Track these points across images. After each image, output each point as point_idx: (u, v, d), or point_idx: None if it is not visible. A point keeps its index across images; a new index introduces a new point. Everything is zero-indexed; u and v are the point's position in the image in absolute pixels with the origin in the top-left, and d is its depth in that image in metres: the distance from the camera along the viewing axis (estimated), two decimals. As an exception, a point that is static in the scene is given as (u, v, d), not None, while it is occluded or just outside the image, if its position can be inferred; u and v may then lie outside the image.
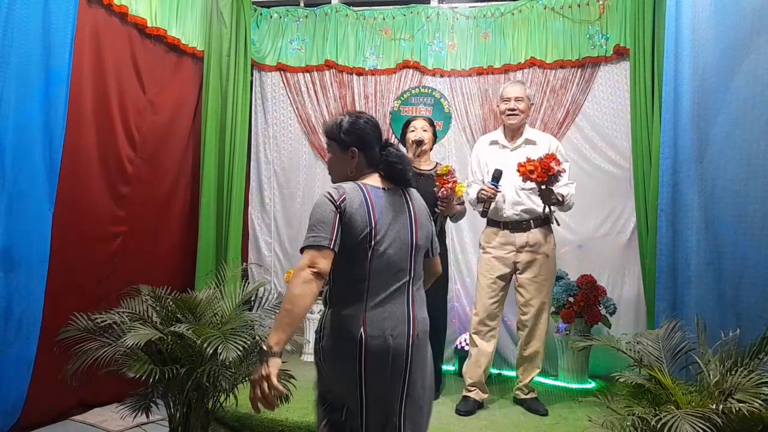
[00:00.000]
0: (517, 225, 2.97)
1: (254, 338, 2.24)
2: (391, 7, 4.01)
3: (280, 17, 4.07)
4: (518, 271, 2.99)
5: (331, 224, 1.49)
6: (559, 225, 3.09)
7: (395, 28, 3.98)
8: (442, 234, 3.20)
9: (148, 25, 3.19)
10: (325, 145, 1.74)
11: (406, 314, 1.57)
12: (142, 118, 3.24)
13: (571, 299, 3.40)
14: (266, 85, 4.11)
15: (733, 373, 1.73)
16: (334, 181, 1.69)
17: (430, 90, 3.96)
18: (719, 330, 1.96)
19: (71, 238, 2.71)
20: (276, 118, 4.11)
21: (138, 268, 3.11)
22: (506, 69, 3.84)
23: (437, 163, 3.23)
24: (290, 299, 1.45)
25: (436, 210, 3.10)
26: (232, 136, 3.75)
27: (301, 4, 4.15)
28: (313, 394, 1.67)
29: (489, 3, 3.94)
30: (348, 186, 1.56)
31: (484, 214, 2.99)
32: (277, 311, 2.46)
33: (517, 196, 2.95)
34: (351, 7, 4.02)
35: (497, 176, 2.87)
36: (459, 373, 3.47)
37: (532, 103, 3.22)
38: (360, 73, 4.00)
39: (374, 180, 1.63)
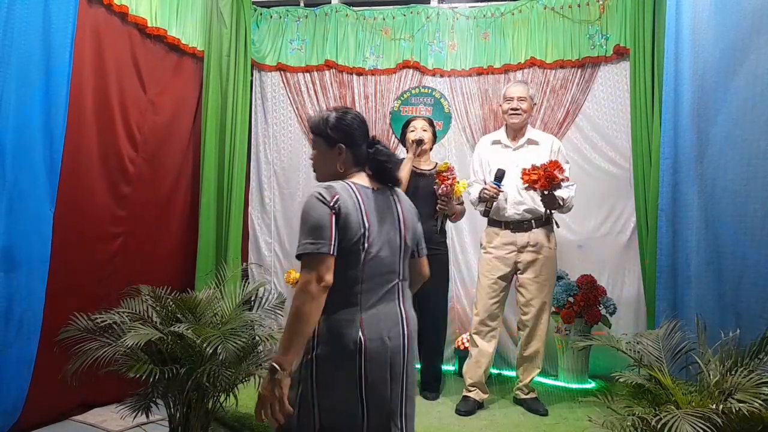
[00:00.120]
0: (519, 225, 2.97)
1: (254, 338, 2.24)
2: (391, 7, 4.01)
3: (280, 17, 4.07)
4: (519, 271, 3.00)
5: (328, 228, 1.42)
6: (558, 227, 3.09)
7: (395, 28, 3.98)
8: (442, 234, 3.21)
9: (149, 25, 3.19)
10: (311, 142, 1.67)
11: (399, 314, 1.55)
12: (143, 118, 3.24)
13: (571, 299, 3.40)
14: (266, 85, 4.11)
15: (733, 373, 1.73)
16: (319, 179, 1.63)
17: (430, 90, 3.96)
18: (719, 330, 1.96)
19: (72, 238, 2.70)
20: (276, 118, 4.11)
21: (139, 268, 3.11)
22: (506, 69, 3.84)
23: (437, 163, 3.23)
24: (301, 317, 1.39)
25: (437, 208, 3.11)
26: (232, 136, 3.75)
27: (301, 4, 4.15)
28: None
29: (489, 3, 3.94)
30: (339, 186, 1.50)
31: (485, 213, 2.99)
32: (278, 312, 2.48)
33: (519, 196, 2.95)
34: (351, 7, 4.02)
35: (500, 176, 2.88)
36: (459, 373, 3.47)
37: (535, 103, 3.22)
38: (360, 73, 4.00)
39: (362, 179, 1.58)
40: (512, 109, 3.00)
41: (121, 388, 2.25)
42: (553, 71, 3.78)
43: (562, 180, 2.76)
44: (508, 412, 2.98)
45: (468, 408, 2.93)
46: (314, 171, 1.66)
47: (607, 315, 3.44)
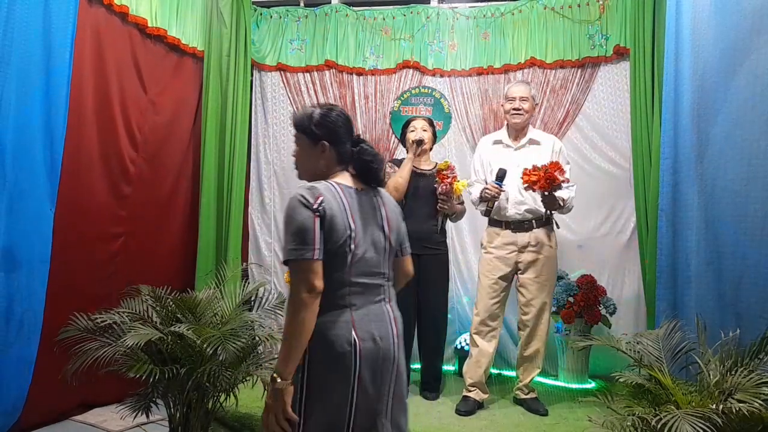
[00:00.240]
0: (520, 225, 2.97)
1: (254, 338, 2.24)
2: (391, 7, 4.01)
3: (280, 17, 4.07)
4: (520, 271, 2.99)
5: (311, 231, 1.39)
6: (558, 227, 3.10)
7: (395, 28, 3.98)
8: (442, 234, 3.21)
9: (149, 25, 3.19)
10: (294, 138, 1.61)
11: (387, 315, 1.54)
12: (143, 118, 3.24)
13: (571, 299, 3.40)
14: (266, 85, 4.11)
15: (733, 373, 1.73)
16: (300, 177, 1.60)
17: (430, 90, 3.96)
18: (719, 330, 1.96)
19: (72, 239, 2.70)
20: (276, 118, 4.11)
21: (139, 268, 3.11)
22: (506, 69, 3.84)
23: (437, 163, 3.23)
24: (296, 328, 1.37)
25: (437, 207, 3.12)
26: (232, 136, 3.75)
27: (301, 4, 4.15)
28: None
29: (489, 3, 3.94)
30: (322, 186, 1.46)
31: (486, 213, 2.99)
32: (278, 312, 2.47)
33: (521, 196, 2.95)
34: (351, 7, 4.02)
35: (501, 176, 2.88)
36: (459, 373, 3.47)
37: (537, 103, 3.22)
38: (360, 73, 4.00)
39: (345, 179, 1.54)
40: (514, 109, 3.00)
41: (122, 388, 2.25)
42: (553, 71, 3.78)
43: (563, 181, 2.76)
44: (508, 412, 2.98)
45: (468, 408, 2.93)
46: (296, 168, 1.62)
47: (607, 315, 3.44)
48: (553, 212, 2.96)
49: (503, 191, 2.91)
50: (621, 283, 3.68)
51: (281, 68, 4.06)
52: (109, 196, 3.01)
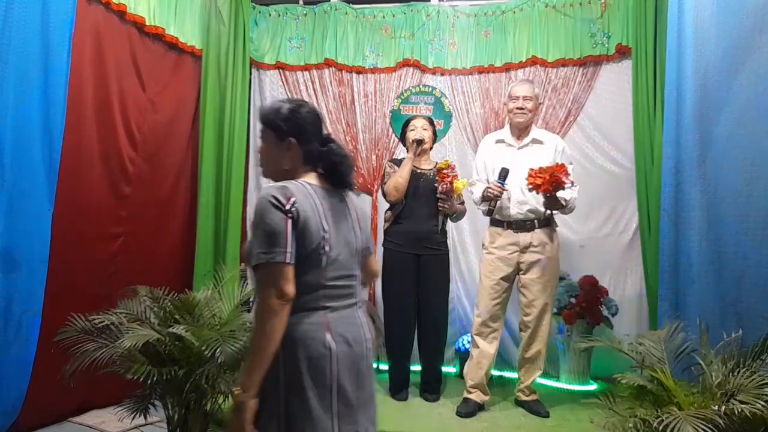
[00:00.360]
0: (522, 225, 2.95)
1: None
2: (391, 5, 4.00)
3: (279, 15, 4.05)
4: (522, 272, 2.98)
5: (283, 234, 1.31)
6: (557, 226, 3.08)
7: (395, 27, 3.96)
8: (443, 234, 3.19)
9: (147, 23, 3.17)
10: (259, 133, 1.53)
11: (358, 320, 1.49)
12: (143, 117, 3.23)
13: (572, 300, 3.39)
14: (265, 84, 4.09)
15: (735, 374, 1.72)
16: (265, 175, 1.54)
17: (430, 89, 3.95)
18: (721, 331, 1.94)
19: (72, 238, 2.69)
20: (276, 118, 4.09)
21: (139, 269, 3.09)
22: (507, 68, 3.82)
23: (437, 162, 3.22)
24: (265, 335, 1.29)
25: (438, 206, 3.10)
26: (230, 135, 3.74)
27: (300, 2, 4.13)
28: None
29: (490, 1, 3.91)
30: (293, 187, 1.38)
31: (488, 213, 2.98)
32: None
33: (523, 195, 2.93)
34: (350, 5, 4.00)
35: (504, 175, 2.86)
36: (460, 375, 3.46)
37: (540, 103, 3.21)
38: (360, 71, 3.98)
39: (312, 179, 1.47)
40: (518, 108, 2.99)
41: (120, 389, 2.24)
42: (555, 70, 3.76)
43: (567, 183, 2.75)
44: (510, 414, 2.97)
45: (469, 410, 2.92)
46: (260, 165, 1.54)
47: (609, 316, 3.42)
48: (554, 212, 2.94)
49: (506, 190, 2.89)
50: (623, 283, 3.66)
51: (280, 67, 4.05)
52: (108, 195, 3.00)
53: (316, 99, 4.02)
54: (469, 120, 3.88)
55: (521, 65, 3.80)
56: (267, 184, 4.40)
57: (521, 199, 2.94)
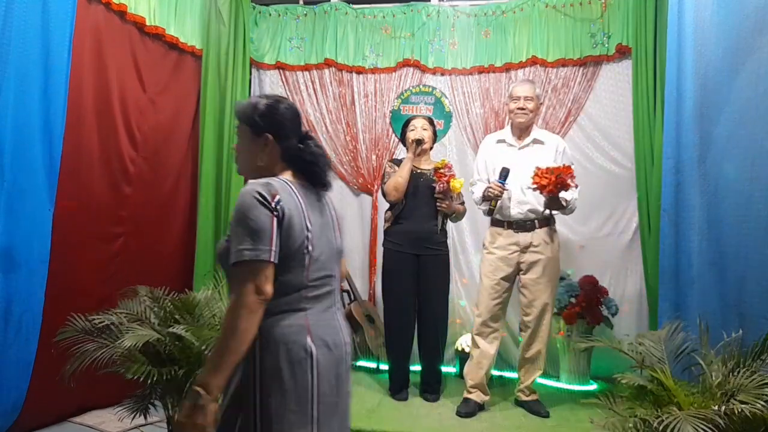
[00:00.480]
0: (522, 225, 2.95)
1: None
2: (391, 5, 4.00)
3: (279, 15, 4.05)
4: (522, 272, 2.97)
5: (269, 232, 1.27)
6: (554, 223, 3.08)
7: (395, 26, 3.96)
8: (443, 234, 3.19)
9: (147, 23, 3.18)
10: (235, 129, 1.49)
11: (338, 322, 1.45)
12: (143, 117, 3.23)
13: (573, 300, 3.38)
14: (265, 84, 4.09)
15: (735, 374, 1.71)
16: (240, 172, 1.50)
17: (430, 89, 3.94)
18: (722, 331, 1.94)
19: (72, 239, 2.69)
20: (276, 118, 4.09)
21: (140, 269, 3.09)
22: (507, 68, 3.82)
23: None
24: (236, 335, 1.22)
25: (436, 206, 3.10)
26: (230, 135, 3.74)
27: (301, 2, 4.13)
28: None
29: (490, 1, 3.91)
30: (277, 184, 1.34)
31: (489, 212, 2.98)
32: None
33: (523, 195, 2.93)
34: (351, 5, 4.00)
35: (505, 174, 2.86)
36: (460, 375, 3.45)
37: (542, 103, 3.20)
38: (360, 71, 3.98)
39: (290, 176, 1.43)
40: (519, 108, 2.99)
41: (120, 389, 2.24)
42: (555, 70, 3.76)
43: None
44: (510, 414, 2.97)
45: (469, 410, 2.92)
46: (236, 162, 1.49)
47: (609, 316, 3.42)
48: (554, 212, 2.94)
49: (506, 190, 2.89)
50: (623, 283, 3.66)
51: (280, 67, 4.05)
52: (109, 195, 3.00)
53: (316, 99, 4.02)
54: (469, 120, 3.88)
55: (521, 65, 3.80)
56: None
57: (522, 199, 2.94)
